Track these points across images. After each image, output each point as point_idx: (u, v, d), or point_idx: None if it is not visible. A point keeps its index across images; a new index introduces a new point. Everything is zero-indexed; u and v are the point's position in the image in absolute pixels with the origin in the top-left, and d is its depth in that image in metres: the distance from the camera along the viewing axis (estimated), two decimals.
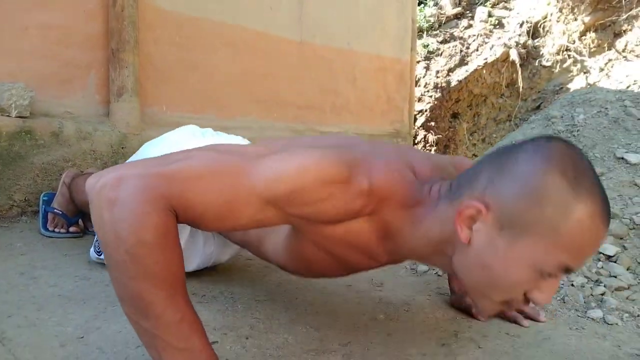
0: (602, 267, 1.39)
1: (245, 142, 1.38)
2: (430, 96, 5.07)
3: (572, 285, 1.32)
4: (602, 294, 1.27)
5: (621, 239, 1.49)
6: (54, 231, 1.67)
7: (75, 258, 1.42)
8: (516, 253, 0.72)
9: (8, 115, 1.96)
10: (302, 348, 0.94)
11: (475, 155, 5.23)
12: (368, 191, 0.77)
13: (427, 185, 0.83)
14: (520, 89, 5.23)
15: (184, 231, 1.21)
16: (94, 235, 1.68)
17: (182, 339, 0.69)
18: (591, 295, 1.27)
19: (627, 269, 1.38)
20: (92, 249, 1.39)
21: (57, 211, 1.67)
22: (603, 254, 1.43)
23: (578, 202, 0.68)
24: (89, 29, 2.24)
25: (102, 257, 1.61)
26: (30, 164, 1.99)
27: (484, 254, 0.74)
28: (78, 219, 1.71)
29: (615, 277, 1.34)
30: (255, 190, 0.73)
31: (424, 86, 5.13)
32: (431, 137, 5.08)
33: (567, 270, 0.72)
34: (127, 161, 1.18)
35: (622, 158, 1.80)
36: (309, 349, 0.94)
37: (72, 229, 1.69)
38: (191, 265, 1.25)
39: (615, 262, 1.41)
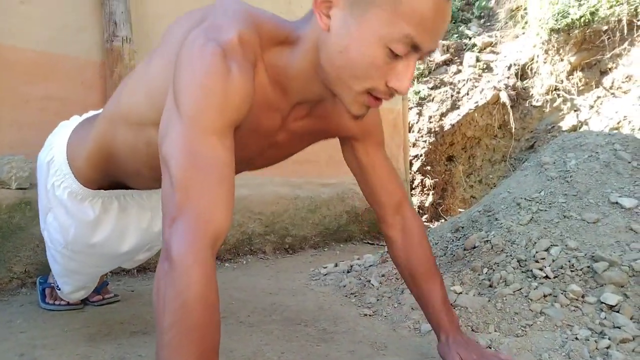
0: (605, 318, 1.39)
1: None
2: (425, 141, 5.14)
3: (577, 339, 1.31)
4: (607, 347, 1.26)
5: (622, 287, 1.48)
6: (53, 304, 1.66)
7: (75, 333, 1.41)
8: (364, 29, 0.77)
9: (8, 188, 1.99)
10: None
11: (474, 197, 5.25)
12: (239, 40, 0.82)
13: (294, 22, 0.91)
14: (513, 130, 5.30)
15: (112, 205, 1.29)
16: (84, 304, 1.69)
17: None
18: (596, 349, 1.26)
19: (631, 319, 1.38)
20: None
21: (54, 284, 1.67)
22: (605, 303, 1.43)
23: None
24: (87, 99, 2.30)
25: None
26: (30, 235, 2.00)
27: (341, 36, 0.80)
28: None
29: (619, 328, 1.33)
30: (203, 137, 0.77)
31: (418, 132, 5.21)
32: (428, 181, 5.12)
33: (415, 46, 0.77)
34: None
35: (617, 203, 1.82)
36: None
37: (71, 300, 1.69)
38: (125, 243, 1.31)
39: (617, 311, 1.40)
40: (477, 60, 5.60)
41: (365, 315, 1.61)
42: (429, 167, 5.14)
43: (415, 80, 5.43)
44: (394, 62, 0.79)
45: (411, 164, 5.03)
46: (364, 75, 0.80)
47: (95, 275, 1.55)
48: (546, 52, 5.34)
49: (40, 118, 2.17)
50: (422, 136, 5.17)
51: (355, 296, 1.82)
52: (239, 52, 0.82)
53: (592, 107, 5.17)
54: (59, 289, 1.55)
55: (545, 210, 1.88)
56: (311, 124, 1.04)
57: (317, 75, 0.88)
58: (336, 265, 2.26)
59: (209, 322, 0.69)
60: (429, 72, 5.57)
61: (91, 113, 1.46)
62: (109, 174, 1.23)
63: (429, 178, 5.11)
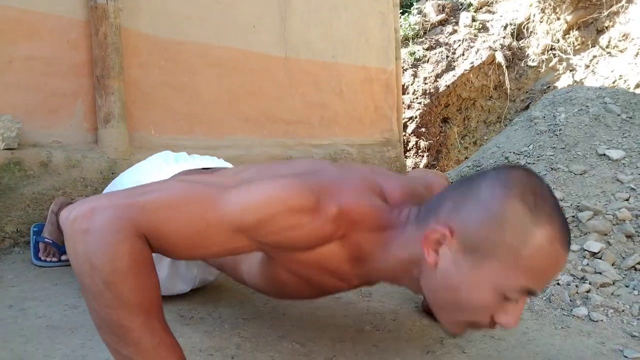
0: (587, 264, 1.41)
1: (222, 162, 1.39)
2: (420, 103, 5.11)
3: (558, 284, 1.33)
4: (588, 291, 1.29)
5: (605, 235, 1.50)
6: (45, 260, 1.68)
7: (65, 286, 1.43)
8: (479, 276, 0.74)
9: None
10: None
11: (468, 159, 5.26)
12: (337, 216, 0.78)
13: (397, 209, 0.86)
14: (508, 91, 5.27)
15: (165, 258, 1.23)
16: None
17: None
18: (576, 293, 1.29)
19: (612, 265, 1.40)
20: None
21: (48, 240, 1.69)
22: (588, 250, 1.45)
23: (537, 228, 0.71)
24: (73, 58, 2.27)
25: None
26: (20, 195, 2.00)
27: (450, 277, 0.77)
28: None
29: (600, 273, 1.36)
30: (225, 220, 0.74)
31: (413, 93, 5.17)
32: (422, 143, 5.11)
33: (530, 293, 0.74)
34: (104, 191, 1.19)
35: (604, 155, 1.82)
36: None
37: (63, 257, 1.70)
38: (176, 288, 1.26)
39: (600, 258, 1.42)
40: (473, 19, 5.51)
41: None
42: (423, 129, 5.13)
43: (411, 41, 5.36)
44: (505, 303, 0.76)
45: (405, 126, 5.01)
46: (469, 313, 0.78)
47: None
48: (542, 10, 5.26)
49: (26, 78, 2.14)
50: (417, 98, 5.13)
51: None
52: (323, 221, 0.78)
53: (587, 66, 5.13)
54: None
55: (534, 164, 1.89)
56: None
57: (409, 281, 0.86)
58: None
59: (144, 285, 0.70)
60: (425, 33, 5.49)
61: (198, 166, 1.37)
62: None
63: (423, 140, 5.10)
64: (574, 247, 1.47)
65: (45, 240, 1.69)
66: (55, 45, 2.23)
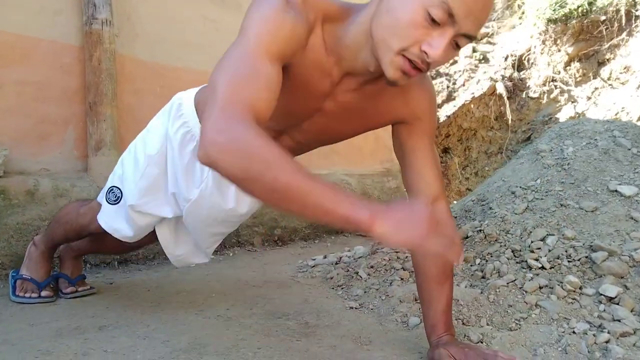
0: (604, 311, 1.31)
1: None
2: None
3: (574, 332, 1.23)
4: (607, 342, 1.18)
5: (622, 277, 1.41)
6: (24, 297, 1.58)
7: (41, 328, 1.32)
8: None
9: None
10: None
11: (469, 190, 5.17)
12: (302, 2, 0.92)
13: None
14: (510, 121, 5.22)
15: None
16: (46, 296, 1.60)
17: (341, 197, 0.73)
18: (595, 343, 1.18)
19: (631, 311, 1.30)
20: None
21: (26, 277, 1.59)
22: (604, 295, 1.35)
23: None
24: (66, 84, 2.21)
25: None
26: (3, 225, 1.91)
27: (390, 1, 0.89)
28: (49, 282, 1.62)
29: (619, 321, 1.26)
30: (256, 51, 0.85)
31: None
32: None
33: (451, 15, 0.83)
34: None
35: (616, 191, 1.74)
36: None
37: (43, 293, 1.60)
38: (188, 187, 1.27)
39: (617, 304, 1.32)
40: (474, 50, 5.51)
41: (351, 308, 1.53)
42: None
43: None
44: (431, 29, 0.85)
45: None
46: (402, 34, 0.86)
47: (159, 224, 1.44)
48: (543, 42, 5.25)
49: (17, 103, 2.07)
50: None
51: (342, 288, 1.73)
52: (300, 7, 0.91)
53: (589, 98, 5.09)
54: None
55: (542, 199, 1.80)
56: (360, 99, 1.08)
57: (367, 45, 0.94)
58: (325, 257, 2.18)
59: (283, 158, 0.74)
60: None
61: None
62: None
63: None
64: (588, 290, 1.37)
65: (23, 277, 1.59)
66: (48, 70, 2.17)
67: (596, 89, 5.08)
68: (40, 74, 2.15)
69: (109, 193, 1.37)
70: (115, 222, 1.35)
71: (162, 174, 1.29)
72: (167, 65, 2.53)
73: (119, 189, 1.34)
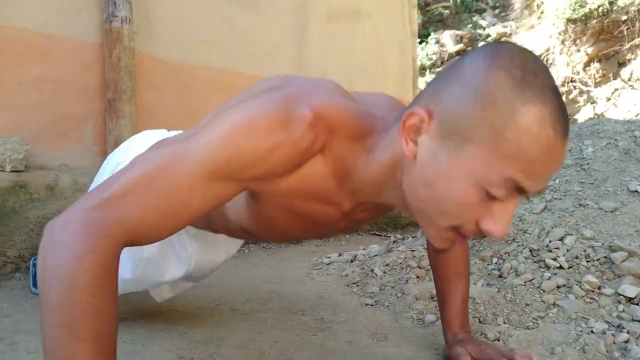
0: (624, 311, 1.29)
1: None
2: None
3: (592, 332, 1.22)
4: (626, 342, 1.17)
5: None
6: None
7: None
8: (457, 166, 0.65)
9: (2, 170, 1.93)
10: None
11: None
12: (313, 121, 0.70)
13: (378, 116, 0.79)
14: None
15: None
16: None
17: None
18: (614, 343, 1.17)
19: None
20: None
21: None
22: (623, 295, 1.33)
23: (524, 105, 0.61)
24: (86, 81, 2.24)
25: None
26: (24, 219, 1.95)
27: (428, 169, 0.68)
28: None
29: (639, 321, 1.24)
30: (193, 171, 0.66)
31: None
32: None
33: (519, 189, 0.64)
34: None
35: (636, 191, 1.71)
36: None
37: None
38: (170, 271, 1.16)
39: (637, 304, 1.31)
40: None
41: (367, 305, 1.53)
42: None
43: (428, 70, 5.32)
44: (490, 203, 0.66)
45: None
46: (451, 214, 0.68)
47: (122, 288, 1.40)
48: (562, 42, 5.20)
49: (37, 100, 2.11)
50: None
51: (357, 286, 1.73)
52: (301, 131, 0.70)
53: (609, 99, 5.02)
54: None
55: (560, 199, 1.78)
56: (380, 210, 0.93)
57: (395, 190, 0.76)
58: (340, 255, 2.18)
59: (101, 307, 0.61)
60: (442, 63, 5.46)
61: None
62: None
63: None
64: (607, 290, 1.35)
65: None
66: (68, 67, 2.20)
67: (616, 89, 5.02)
68: (60, 71, 2.18)
69: None
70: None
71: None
72: (184, 63, 2.56)
73: None
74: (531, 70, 0.63)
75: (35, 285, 1.63)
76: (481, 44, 5.55)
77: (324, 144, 0.74)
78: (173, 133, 1.28)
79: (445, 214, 0.68)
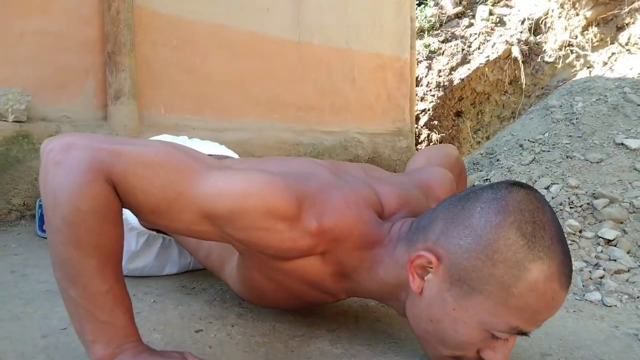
0: (602, 252, 1.37)
1: (224, 149, 1.36)
2: (433, 95, 5.05)
3: None
4: (601, 277, 1.25)
5: (621, 223, 1.46)
6: None
7: None
8: (465, 312, 0.68)
9: (5, 120, 1.97)
10: (289, 334, 0.92)
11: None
12: (317, 232, 0.71)
13: (389, 223, 0.79)
14: (524, 86, 5.19)
15: (156, 241, 1.23)
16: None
17: (106, 312, 0.67)
18: (590, 278, 1.25)
19: (628, 253, 1.36)
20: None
21: None
22: (602, 238, 1.40)
23: (533, 263, 0.64)
24: (85, 34, 2.26)
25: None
26: (28, 168, 2.00)
27: (434, 308, 0.71)
28: None
29: (615, 260, 1.32)
30: (195, 199, 0.69)
31: (427, 85, 5.12)
32: (434, 136, 5.05)
33: (520, 332, 0.68)
34: None
35: (622, 144, 1.77)
36: (296, 335, 0.92)
37: None
38: (165, 271, 1.26)
39: (615, 246, 1.38)
40: (490, 13, 5.44)
41: None
42: (436, 122, 5.08)
43: (426, 32, 5.30)
44: (492, 340, 0.70)
45: (418, 118, 4.97)
46: (454, 348, 0.72)
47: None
48: (562, 5, 5.17)
49: (37, 52, 2.13)
50: (430, 90, 5.08)
51: None
52: (305, 238, 0.71)
53: (605, 63, 5.04)
54: None
55: (548, 151, 1.84)
56: None
57: (397, 302, 0.79)
58: None
59: (106, 230, 0.66)
60: (440, 25, 5.43)
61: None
62: None
63: (435, 133, 5.05)
64: (588, 234, 1.43)
65: None
66: (67, 20, 2.21)
67: (613, 54, 5.02)
68: (59, 24, 2.19)
69: None
70: None
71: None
72: (183, 18, 2.56)
73: None
74: (540, 223, 0.66)
75: (41, 228, 1.69)
76: (480, 6, 5.52)
77: (325, 250, 0.75)
78: (192, 141, 1.33)
79: (448, 347, 0.72)
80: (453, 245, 0.68)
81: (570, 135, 1.88)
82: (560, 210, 1.52)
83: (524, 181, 1.69)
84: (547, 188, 1.63)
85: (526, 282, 0.64)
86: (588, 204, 1.52)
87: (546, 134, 1.94)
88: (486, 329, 0.68)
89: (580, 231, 1.45)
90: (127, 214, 1.13)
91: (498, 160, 1.90)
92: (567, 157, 1.77)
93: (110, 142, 0.70)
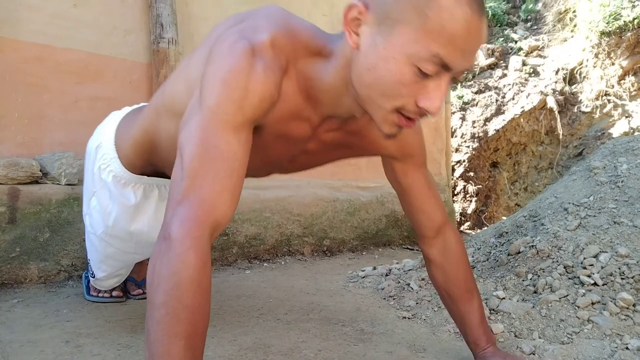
0: None
1: None
2: (468, 146, 5.04)
3: (627, 349, 1.25)
4: None
5: None
6: (97, 296, 1.71)
7: (117, 324, 1.44)
8: (391, 47, 0.75)
9: (58, 183, 2.06)
10: None
11: (518, 205, 5.11)
12: (271, 42, 0.83)
13: (334, 36, 0.89)
14: (561, 136, 5.14)
15: (153, 193, 1.35)
16: (128, 297, 1.74)
17: None
18: None
19: None
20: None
21: (89, 273, 1.72)
22: None
23: None
24: (134, 99, 2.36)
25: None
26: (77, 230, 2.07)
27: (369, 55, 0.78)
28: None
29: None
30: (220, 132, 0.78)
31: (461, 137, 5.12)
32: (471, 188, 5.01)
33: (444, 65, 0.74)
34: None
35: None
36: None
37: (114, 293, 1.73)
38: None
39: None
40: (524, 64, 5.46)
41: (404, 318, 1.58)
42: (472, 173, 5.04)
43: (459, 84, 5.34)
44: (424, 81, 0.76)
45: (453, 170, 4.95)
46: (392, 94, 0.78)
47: (130, 262, 1.57)
48: (596, 55, 5.16)
49: (89, 117, 2.24)
50: (465, 141, 5.07)
51: (393, 299, 1.79)
52: (269, 53, 0.83)
53: None
54: (93, 276, 1.59)
55: (594, 216, 1.81)
56: (344, 137, 1.02)
57: (349, 92, 0.87)
58: (374, 268, 2.24)
59: (199, 306, 0.70)
60: (473, 76, 5.47)
61: (141, 104, 1.53)
62: (152, 162, 1.27)
63: (472, 184, 5.01)
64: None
65: None
66: (119, 86, 2.33)
67: None
68: (111, 90, 2.31)
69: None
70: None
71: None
72: None
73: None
74: None
75: (88, 293, 1.73)
76: (513, 57, 5.56)
77: (286, 62, 0.86)
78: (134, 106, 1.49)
79: (387, 95, 0.79)
80: None
81: (616, 199, 1.85)
82: (612, 281, 1.48)
83: (570, 248, 1.66)
84: (595, 256, 1.59)
85: (437, 4, 0.71)
86: None
87: (591, 198, 1.91)
88: (413, 62, 0.74)
89: (634, 305, 1.40)
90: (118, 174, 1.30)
91: (543, 224, 1.87)
92: (615, 222, 1.73)
93: (176, 195, 0.76)
